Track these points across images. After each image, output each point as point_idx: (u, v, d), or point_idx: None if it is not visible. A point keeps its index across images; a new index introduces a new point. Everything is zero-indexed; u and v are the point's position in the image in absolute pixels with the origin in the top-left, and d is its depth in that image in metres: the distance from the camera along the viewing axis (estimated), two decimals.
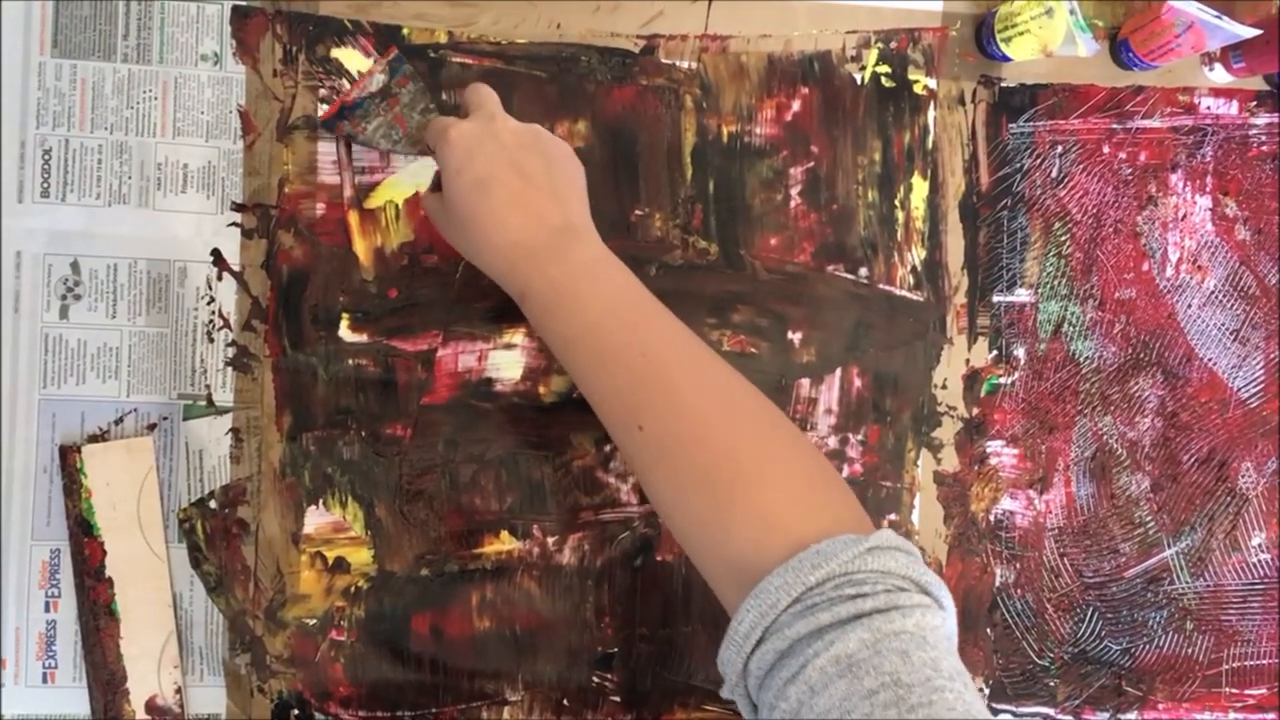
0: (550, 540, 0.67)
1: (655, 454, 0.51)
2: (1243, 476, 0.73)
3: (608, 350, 0.53)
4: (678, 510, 0.50)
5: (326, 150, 0.65)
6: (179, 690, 0.63)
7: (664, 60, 0.68)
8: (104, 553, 0.62)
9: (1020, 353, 0.71)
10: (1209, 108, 0.73)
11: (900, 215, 0.70)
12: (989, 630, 0.71)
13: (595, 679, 0.67)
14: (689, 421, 0.50)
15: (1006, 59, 0.69)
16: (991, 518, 0.71)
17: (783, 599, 0.44)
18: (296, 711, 0.65)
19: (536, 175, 0.55)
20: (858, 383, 0.69)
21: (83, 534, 0.62)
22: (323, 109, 0.65)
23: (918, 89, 0.70)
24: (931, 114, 0.70)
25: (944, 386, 0.70)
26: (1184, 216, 0.73)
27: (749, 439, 0.50)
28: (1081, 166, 0.71)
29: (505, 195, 0.54)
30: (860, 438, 0.69)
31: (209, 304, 0.64)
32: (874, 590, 0.43)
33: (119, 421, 0.64)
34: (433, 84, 0.65)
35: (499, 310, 0.65)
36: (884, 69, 0.70)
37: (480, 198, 0.54)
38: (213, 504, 0.64)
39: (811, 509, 0.48)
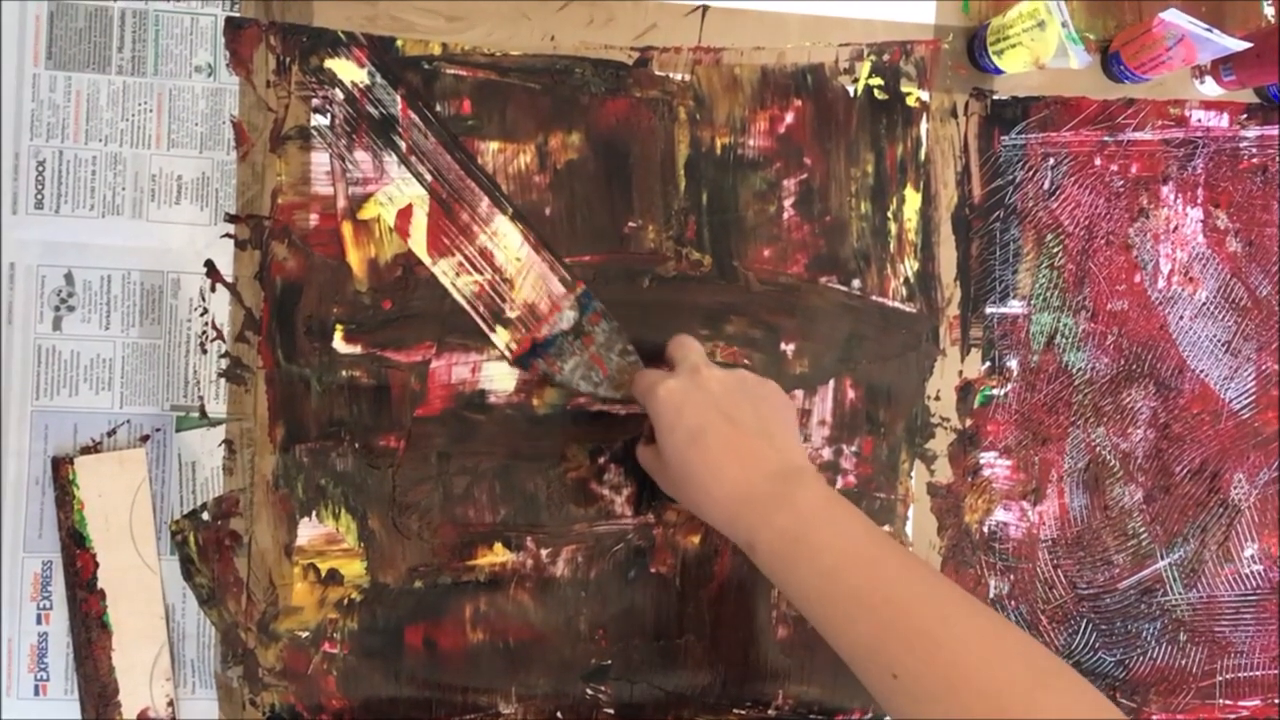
0: (544, 552, 0.67)
1: (913, 701, 0.48)
2: (1235, 488, 0.73)
3: (849, 598, 0.51)
4: None
5: (320, 161, 0.65)
6: (171, 703, 0.63)
7: (657, 72, 0.68)
8: (96, 565, 0.62)
9: (1013, 364, 0.71)
10: (1200, 120, 0.73)
11: (893, 227, 0.70)
12: None
13: (589, 691, 0.67)
14: (944, 667, 0.48)
15: (999, 71, 0.70)
16: (985, 529, 0.71)
17: None
18: None
19: (747, 420, 0.55)
20: (851, 394, 0.69)
21: (75, 546, 0.62)
22: (503, 343, 0.64)
23: (910, 101, 0.70)
24: (924, 126, 0.70)
25: (937, 398, 0.70)
26: (1175, 228, 0.73)
27: (1011, 678, 0.47)
28: (1073, 179, 0.72)
29: (719, 445, 0.54)
30: (854, 449, 0.69)
31: (202, 315, 0.64)
32: None
33: (112, 433, 0.64)
34: (429, 95, 0.65)
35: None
36: (877, 81, 0.70)
37: (694, 450, 0.54)
38: (205, 516, 0.64)
39: None
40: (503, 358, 0.65)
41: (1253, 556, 0.74)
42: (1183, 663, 0.73)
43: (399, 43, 0.66)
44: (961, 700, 0.47)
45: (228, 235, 0.64)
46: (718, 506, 0.55)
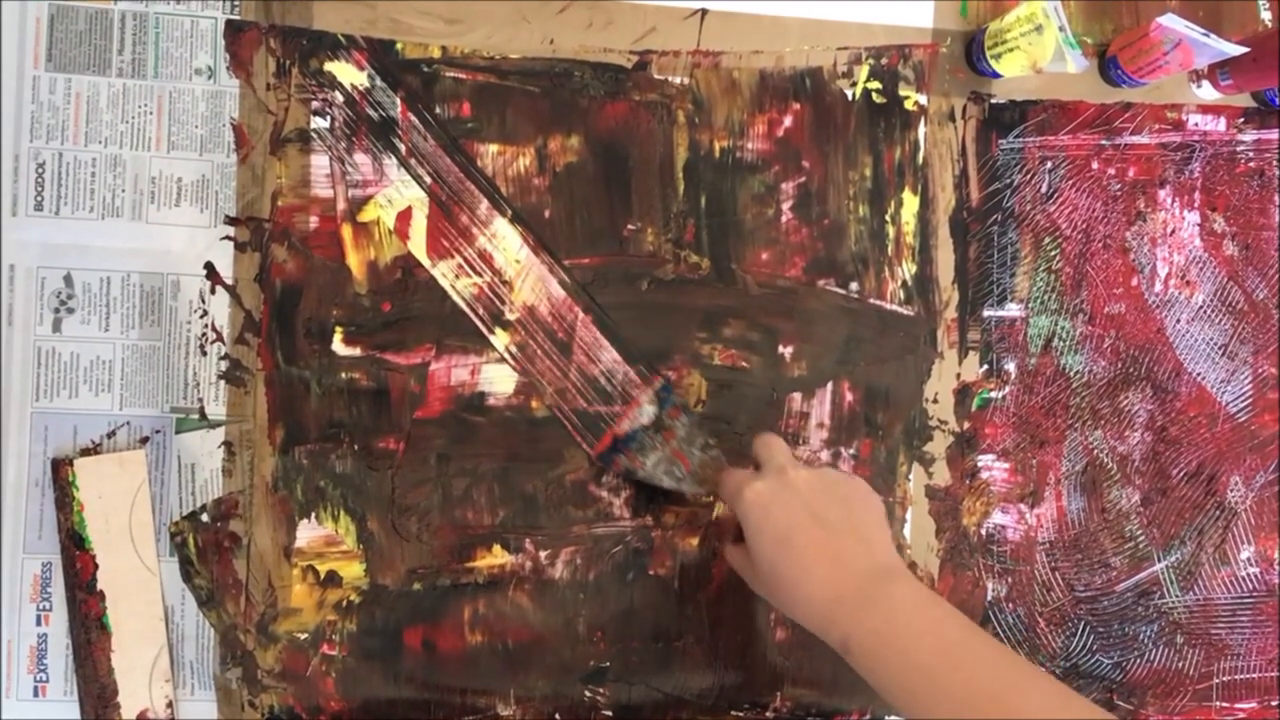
0: (543, 554, 0.67)
1: None
2: (1231, 490, 0.73)
3: (946, 696, 0.51)
4: None
5: (320, 164, 0.65)
6: (170, 704, 0.63)
7: (656, 76, 0.68)
8: (96, 566, 0.62)
9: (1011, 367, 0.71)
10: (1197, 124, 0.74)
11: (891, 230, 0.70)
12: None
13: (587, 693, 0.67)
14: None
15: (996, 75, 0.70)
16: (983, 532, 0.71)
17: None
18: None
19: (836, 521, 0.55)
20: (849, 397, 0.69)
21: (74, 547, 0.62)
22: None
23: (908, 105, 0.70)
24: (922, 130, 0.71)
25: (935, 401, 0.71)
26: (1172, 232, 0.73)
27: None
28: (1071, 182, 0.72)
29: (808, 546, 0.54)
30: (852, 451, 0.70)
31: (202, 317, 0.64)
32: None
33: (111, 435, 0.64)
34: (429, 97, 0.65)
35: None
36: (875, 85, 0.70)
37: (784, 551, 0.55)
38: (205, 517, 0.64)
39: None
40: (586, 453, 0.66)
41: (1249, 559, 0.74)
42: (1179, 665, 0.73)
43: (399, 45, 0.66)
44: None
45: (227, 237, 0.65)
46: (810, 607, 0.55)
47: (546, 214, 0.67)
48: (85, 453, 0.63)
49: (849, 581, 0.54)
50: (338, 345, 0.65)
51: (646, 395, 0.64)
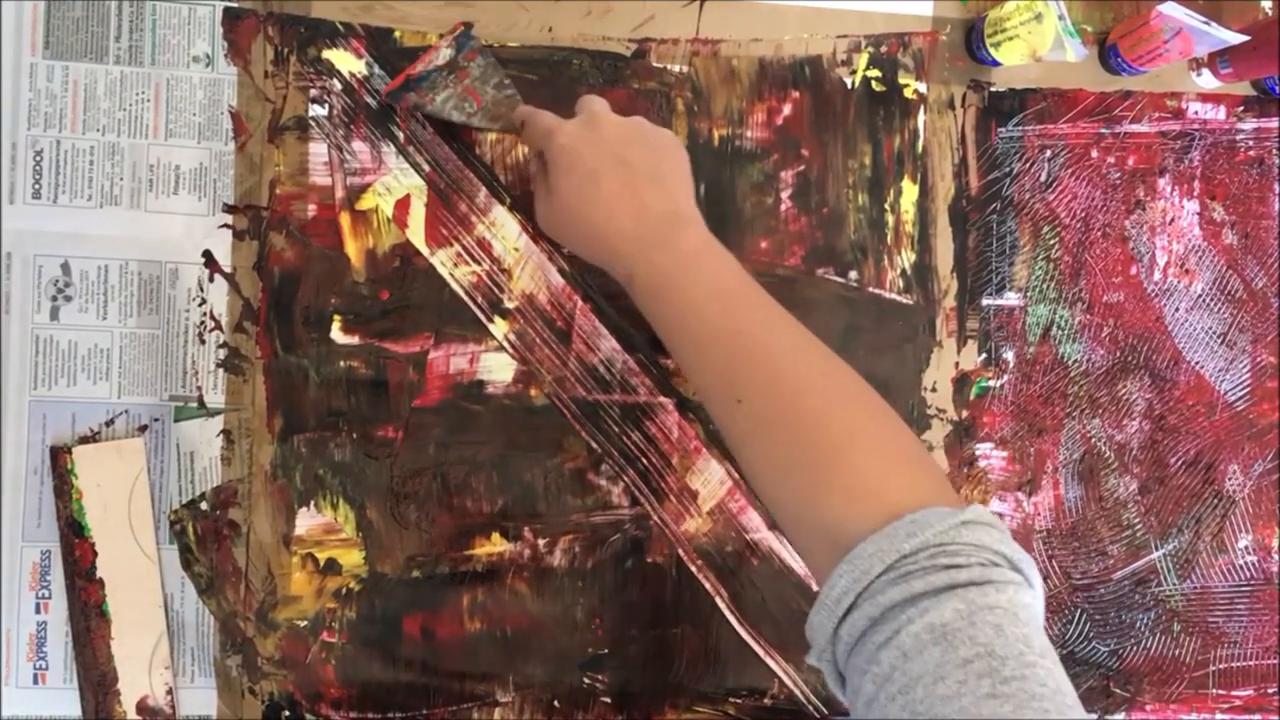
0: (541, 542, 0.67)
1: (752, 427, 0.52)
2: (1229, 479, 0.74)
3: (709, 331, 0.54)
4: (772, 481, 0.52)
5: (318, 152, 0.65)
6: (170, 691, 0.63)
7: (655, 64, 0.68)
8: (95, 554, 0.63)
9: (1009, 356, 0.72)
10: (1196, 113, 0.73)
11: (890, 219, 0.70)
12: None
13: (586, 680, 0.67)
14: (785, 394, 0.52)
15: (996, 64, 0.70)
16: None
17: (876, 566, 0.44)
18: (287, 713, 0.65)
19: (642, 165, 0.58)
20: None
21: (74, 535, 0.62)
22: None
23: (908, 93, 0.70)
24: (921, 118, 0.71)
25: (933, 389, 0.71)
26: (1172, 221, 0.73)
27: (843, 411, 0.52)
28: (1070, 171, 0.72)
29: (614, 187, 0.57)
30: None
31: (200, 305, 0.64)
32: (968, 563, 0.44)
33: (110, 423, 0.64)
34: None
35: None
36: (874, 73, 0.70)
37: (590, 191, 0.57)
38: (204, 505, 0.64)
39: (904, 481, 0.49)
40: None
41: (1247, 547, 0.74)
42: (1176, 653, 0.73)
43: (397, 33, 0.66)
44: (795, 425, 0.51)
45: (226, 225, 0.65)
46: (605, 244, 0.58)
47: None
48: (84, 441, 0.63)
49: (646, 222, 0.57)
50: (336, 334, 0.65)
51: (447, 41, 0.63)
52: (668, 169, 0.59)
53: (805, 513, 0.50)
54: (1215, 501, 0.74)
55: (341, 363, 0.65)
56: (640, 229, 0.57)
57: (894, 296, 0.70)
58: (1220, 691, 0.74)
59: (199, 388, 0.64)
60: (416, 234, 0.65)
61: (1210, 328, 0.73)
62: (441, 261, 0.66)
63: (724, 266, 0.57)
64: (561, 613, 0.67)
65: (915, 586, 0.43)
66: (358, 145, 0.65)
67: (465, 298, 0.66)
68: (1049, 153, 0.72)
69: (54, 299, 0.63)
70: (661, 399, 0.67)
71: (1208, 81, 0.73)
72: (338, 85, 0.65)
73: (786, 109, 0.69)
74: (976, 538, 0.45)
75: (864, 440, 0.51)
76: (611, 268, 0.59)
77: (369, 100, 0.65)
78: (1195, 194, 0.73)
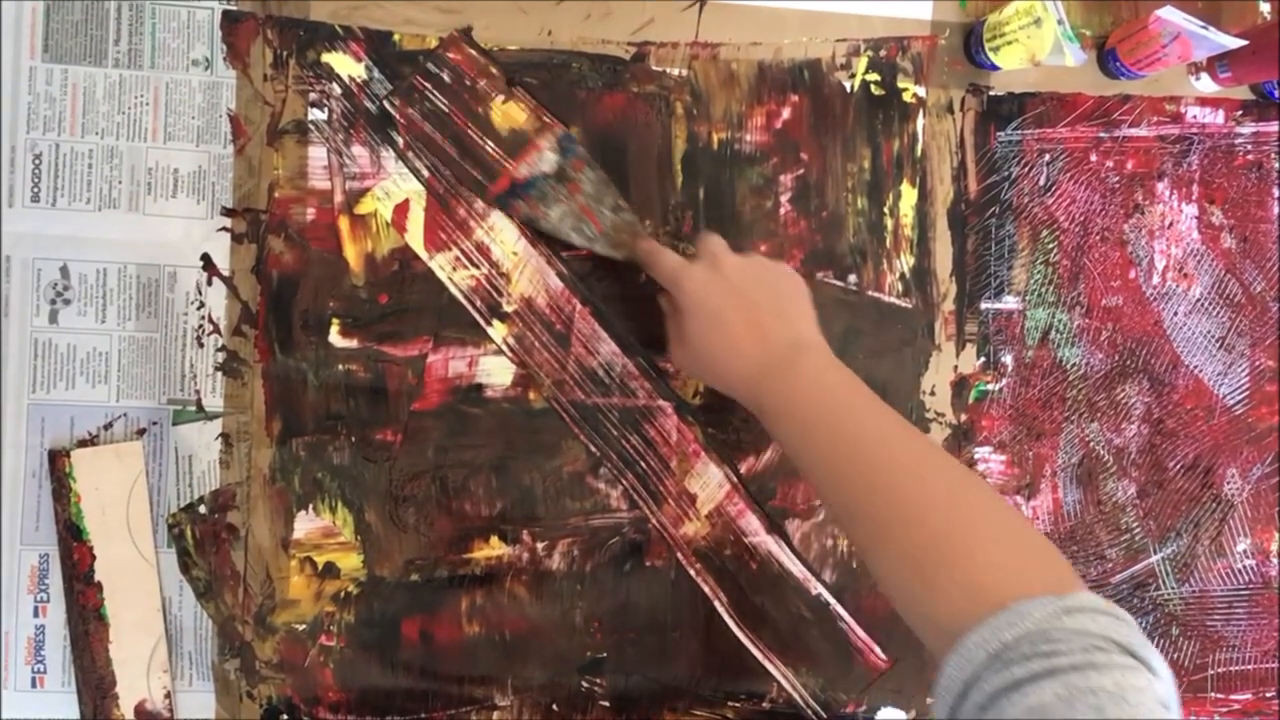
0: (540, 545, 0.67)
1: (873, 536, 0.55)
2: (1228, 483, 0.74)
3: (829, 448, 0.57)
4: (892, 581, 0.54)
5: (317, 155, 0.65)
6: (168, 695, 0.63)
7: (655, 67, 0.68)
8: (93, 557, 0.62)
9: (1008, 359, 0.72)
10: (1195, 117, 0.73)
11: (889, 222, 0.70)
12: None
13: (584, 684, 0.67)
14: (901, 508, 0.54)
15: (995, 68, 0.70)
16: None
17: (979, 655, 0.45)
18: (285, 716, 0.65)
19: (764, 300, 0.61)
20: None
21: (72, 538, 0.62)
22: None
23: (907, 97, 0.70)
24: (920, 122, 0.71)
25: (932, 393, 0.71)
26: (1170, 225, 0.73)
27: (955, 516, 0.53)
28: (1069, 175, 0.72)
29: (739, 325, 0.60)
30: None
31: (199, 309, 0.64)
32: (1069, 649, 0.44)
33: (108, 426, 0.64)
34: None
35: None
36: (873, 77, 0.70)
37: (717, 330, 0.60)
38: (202, 509, 0.64)
39: (1010, 574, 0.50)
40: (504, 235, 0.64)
41: (1245, 551, 0.74)
42: (1175, 656, 0.73)
43: (396, 37, 0.66)
44: (913, 537, 0.53)
45: (224, 229, 0.64)
46: (738, 380, 0.61)
47: None
48: (82, 444, 0.63)
49: (771, 351, 0.60)
50: (335, 337, 0.65)
51: (549, 143, 0.62)
52: (787, 301, 0.62)
53: (918, 607, 0.52)
54: (1214, 505, 0.74)
55: (340, 366, 0.65)
56: (765, 359, 0.59)
57: (893, 300, 0.70)
58: (1218, 695, 0.74)
59: (197, 391, 0.64)
60: (415, 238, 0.65)
61: (1209, 331, 0.73)
62: (440, 265, 0.66)
63: (841, 384, 0.59)
64: (560, 616, 0.67)
65: (1015, 673, 0.43)
66: (357, 149, 0.65)
67: (464, 301, 0.66)
68: (1048, 157, 0.72)
69: (53, 302, 0.63)
70: (660, 403, 0.67)
71: (1206, 86, 0.73)
72: (337, 89, 0.65)
73: (786, 112, 0.69)
74: (1080, 625, 0.45)
75: (975, 539, 0.52)
76: (744, 399, 0.61)
77: (368, 104, 0.65)
78: (1194, 198, 0.73)
